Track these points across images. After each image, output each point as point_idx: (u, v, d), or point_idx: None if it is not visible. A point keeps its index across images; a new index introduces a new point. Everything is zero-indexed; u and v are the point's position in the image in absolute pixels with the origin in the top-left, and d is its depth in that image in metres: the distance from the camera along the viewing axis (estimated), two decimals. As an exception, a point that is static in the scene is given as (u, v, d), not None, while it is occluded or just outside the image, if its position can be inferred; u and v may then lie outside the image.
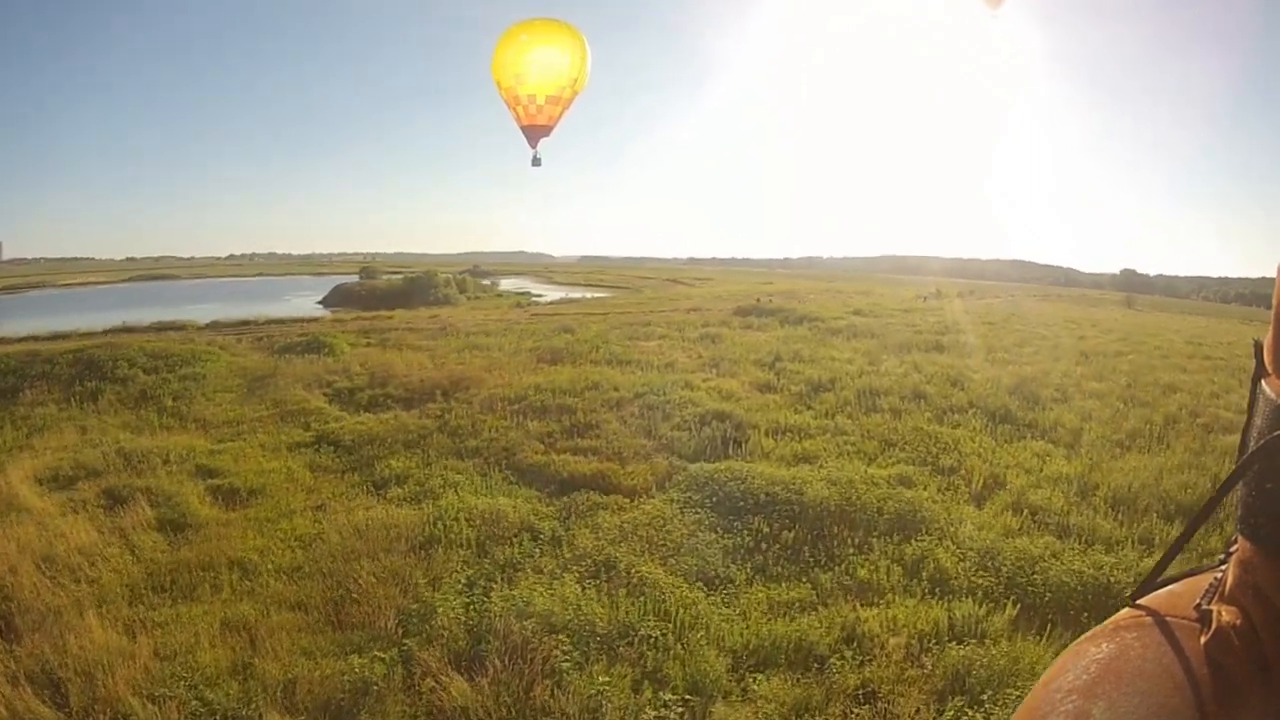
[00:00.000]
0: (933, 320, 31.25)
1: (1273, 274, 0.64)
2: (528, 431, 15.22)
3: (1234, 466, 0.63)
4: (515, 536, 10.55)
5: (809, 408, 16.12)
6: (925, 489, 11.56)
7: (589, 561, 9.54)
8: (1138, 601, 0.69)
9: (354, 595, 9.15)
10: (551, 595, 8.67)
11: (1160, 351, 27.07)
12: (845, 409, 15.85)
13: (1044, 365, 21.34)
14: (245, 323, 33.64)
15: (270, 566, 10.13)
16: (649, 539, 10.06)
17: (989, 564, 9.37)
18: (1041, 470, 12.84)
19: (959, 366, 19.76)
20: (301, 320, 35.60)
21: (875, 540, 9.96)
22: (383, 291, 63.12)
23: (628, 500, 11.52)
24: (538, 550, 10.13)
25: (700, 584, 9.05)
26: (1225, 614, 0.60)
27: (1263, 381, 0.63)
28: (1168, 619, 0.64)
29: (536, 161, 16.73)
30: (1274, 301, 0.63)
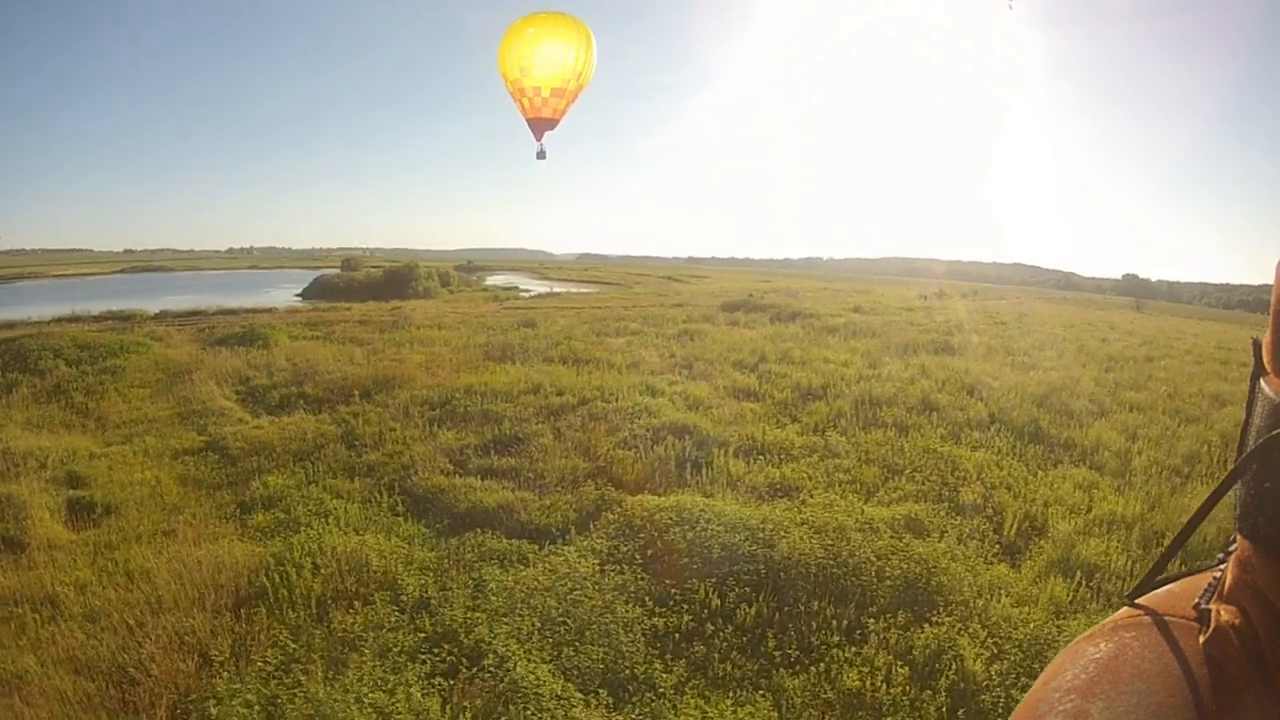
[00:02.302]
0: (939, 319, 28.11)
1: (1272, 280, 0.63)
2: (438, 444, 12.27)
3: (1232, 465, 0.61)
4: (371, 595, 7.62)
5: (794, 420, 13.05)
6: (942, 538, 8.50)
7: (450, 646, 6.54)
8: (1136, 601, 0.67)
9: (138, 667, 7.00)
10: (372, 703, 5.67)
11: (1192, 357, 24.09)
12: (839, 422, 12.78)
13: (1071, 371, 18.28)
14: (196, 313, 32.48)
15: (80, 609, 8.35)
16: (545, 613, 7.02)
17: (1037, 665, 6.32)
18: (1089, 510, 9.81)
19: (974, 371, 16.67)
20: (255, 311, 34.14)
21: (872, 622, 6.92)
22: (362, 284, 62.53)
23: (534, 548, 8.50)
24: (392, 619, 7.19)
25: (604, 691, 6.02)
26: (1224, 613, 0.59)
27: (1261, 380, 0.62)
28: (1166, 618, 0.63)
29: (541, 154, 16.49)
30: (1272, 301, 0.61)
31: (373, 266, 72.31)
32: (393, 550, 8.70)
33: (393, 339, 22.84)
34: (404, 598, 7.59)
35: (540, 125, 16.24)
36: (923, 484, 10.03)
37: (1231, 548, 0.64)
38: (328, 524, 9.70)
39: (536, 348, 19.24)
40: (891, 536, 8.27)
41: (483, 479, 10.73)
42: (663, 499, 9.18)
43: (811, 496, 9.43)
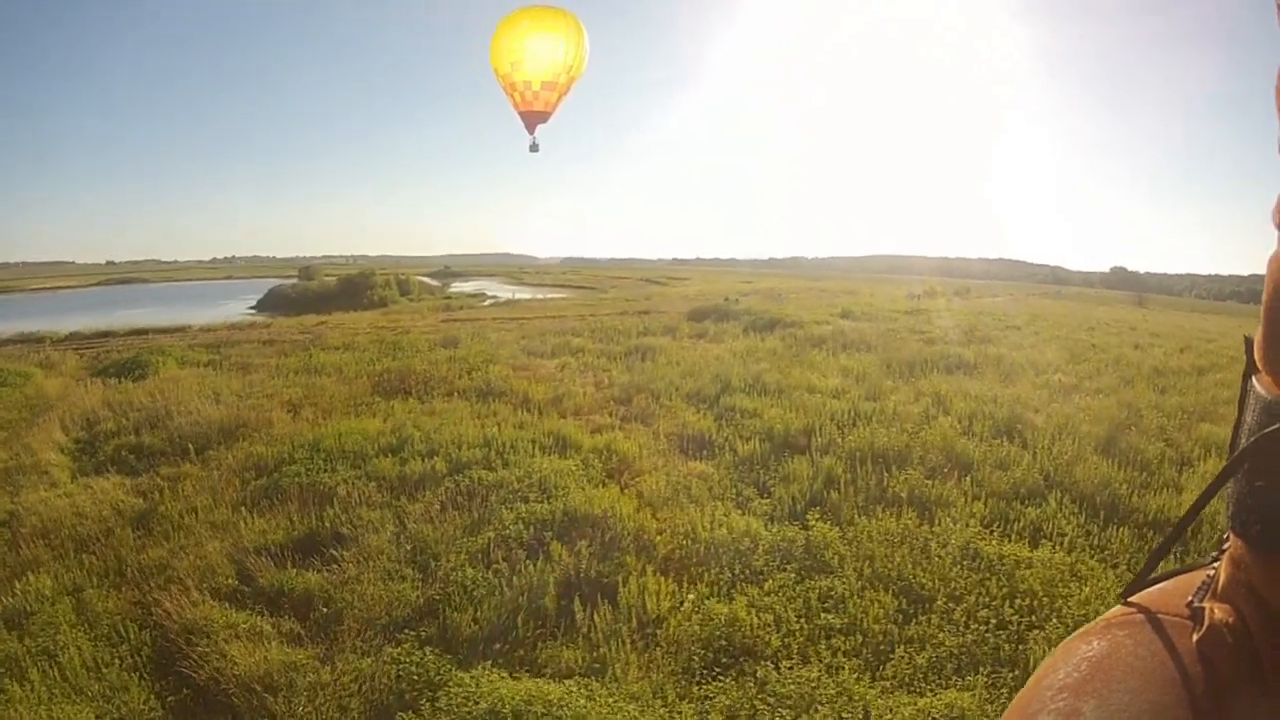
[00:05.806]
0: (943, 324, 24.16)
1: (1264, 270, 0.60)
2: (238, 540, 8.23)
3: (1225, 463, 0.60)
4: None
5: (762, 495, 8.98)
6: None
7: None
8: (1129, 599, 0.66)
9: None
10: None
11: (1243, 367, 20.22)
12: (828, 496, 8.70)
13: (1121, 394, 14.32)
14: (107, 334, 29.71)
15: None
16: None
17: None
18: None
19: (1004, 400, 12.65)
20: (167, 331, 31.18)
21: None
22: (316, 294, 61.70)
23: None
24: None
25: None
26: (1218, 611, 0.58)
27: (1253, 378, 0.59)
28: (1160, 616, 0.62)
29: (534, 147, 16.42)
30: (1264, 298, 0.59)
31: (327, 275, 69.05)
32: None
33: (287, 365, 18.78)
34: None
35: (532, 119, 16.19)
36: (966, 629, 5.95)
37: (1225, 545, 0.61)
38: (46, 681, 5.92)
39: (443, 376, 15.14)
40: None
41: (260, 613, 6.69)
42: (510, 686, 5.09)
43: (778, 669, 5.37)
